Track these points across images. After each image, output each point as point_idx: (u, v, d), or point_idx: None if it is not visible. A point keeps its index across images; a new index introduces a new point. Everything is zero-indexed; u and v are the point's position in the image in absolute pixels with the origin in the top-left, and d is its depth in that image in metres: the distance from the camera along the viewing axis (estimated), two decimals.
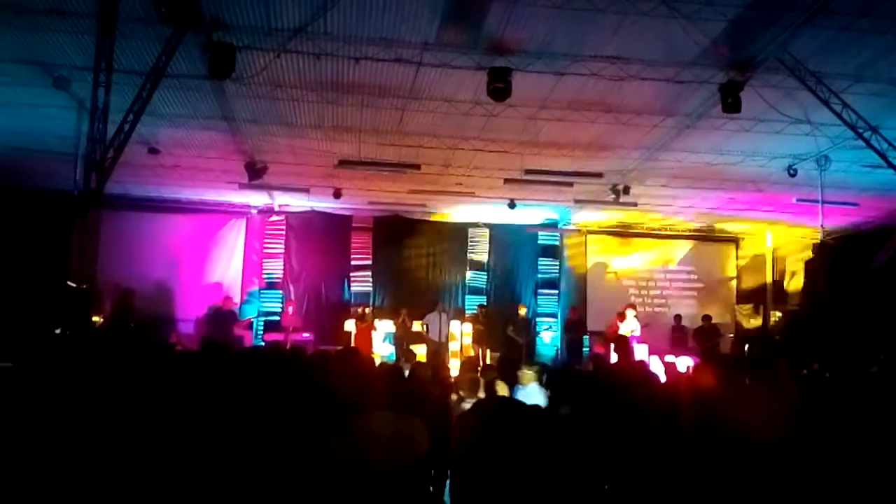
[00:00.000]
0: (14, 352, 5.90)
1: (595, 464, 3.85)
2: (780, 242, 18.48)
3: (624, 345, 10.62)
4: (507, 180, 13.21)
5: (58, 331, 7.83)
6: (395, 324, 15.77)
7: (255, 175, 12.98)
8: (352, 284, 17.43)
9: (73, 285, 8.00)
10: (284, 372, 5.60)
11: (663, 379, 7.62)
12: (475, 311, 16.69)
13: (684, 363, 11.81)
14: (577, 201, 14.81)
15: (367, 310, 16.00)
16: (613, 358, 11.31)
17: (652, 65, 8.67)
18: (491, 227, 17.87)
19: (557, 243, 18.27)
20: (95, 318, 12.27)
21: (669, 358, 13.27)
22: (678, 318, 16.61)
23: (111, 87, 8.18)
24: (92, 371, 5.09)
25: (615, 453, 3.98)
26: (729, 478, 3.46)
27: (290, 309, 16.14)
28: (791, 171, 12.18)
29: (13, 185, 14.64)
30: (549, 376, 7.17)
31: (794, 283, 18.18)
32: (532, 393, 6.44)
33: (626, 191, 13.67)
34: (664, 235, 18.30)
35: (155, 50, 8.22)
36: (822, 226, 13.53)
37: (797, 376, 7.73)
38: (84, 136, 8.76)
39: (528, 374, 6.65)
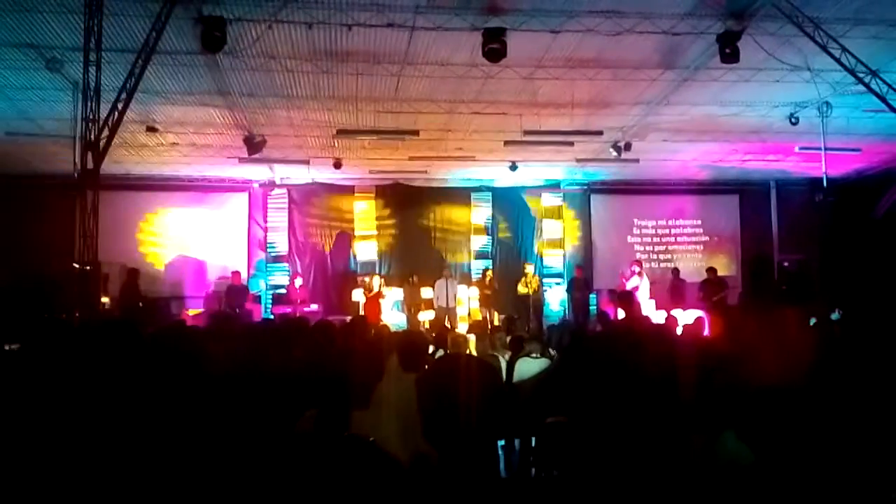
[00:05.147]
0: (22, 334, 5.93)
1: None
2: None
3: (628, 300, 10.64)
4: (507, 142, 13.14)
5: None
6: (405, 290, 15.87)
7: (255, 149, 12.93)
8: (357, 254, 17.46)
9: (77, 266, 8.05)
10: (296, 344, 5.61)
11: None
12: (481, 276, 16.76)
13: (690, 316, 11.80)
14: (578, 160, 14.72)
15: (376, 279, 16.06)
16: (621, 315, 11.34)
17: (648, 17, 8.53)
18: (493, 190, 17.81)
19: (561, 203, 18.22)
20: (104, 300, 12.37)
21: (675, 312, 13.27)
22: (675, 272, 16.67)
23: (103, 67, 8.15)
24: (101, 352, 5.12)
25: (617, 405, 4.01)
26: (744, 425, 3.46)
27: (297, 281, 16.23)
28: (793, 120, 12.07)
29: (12, 171, 14.66)
30: (557, 336, 7.22)
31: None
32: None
33: (628, 147, 13.54)
34: (668, 190, 18.18)
35: (145, 27, 8.14)
36: (825, 173, 13.42)
37: (810, 323, 7.75)
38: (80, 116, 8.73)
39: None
